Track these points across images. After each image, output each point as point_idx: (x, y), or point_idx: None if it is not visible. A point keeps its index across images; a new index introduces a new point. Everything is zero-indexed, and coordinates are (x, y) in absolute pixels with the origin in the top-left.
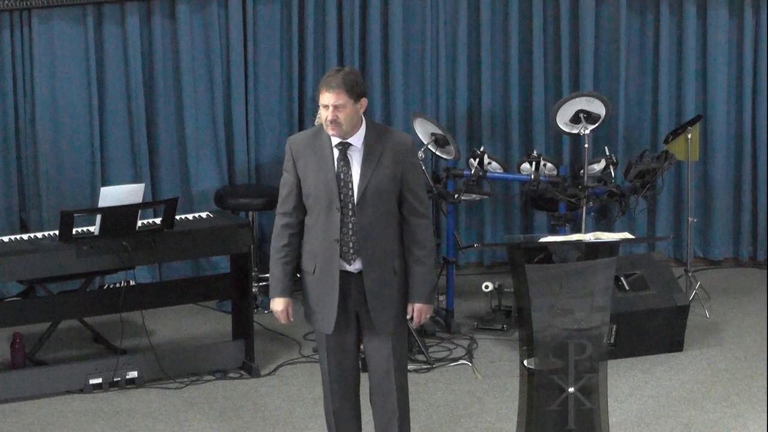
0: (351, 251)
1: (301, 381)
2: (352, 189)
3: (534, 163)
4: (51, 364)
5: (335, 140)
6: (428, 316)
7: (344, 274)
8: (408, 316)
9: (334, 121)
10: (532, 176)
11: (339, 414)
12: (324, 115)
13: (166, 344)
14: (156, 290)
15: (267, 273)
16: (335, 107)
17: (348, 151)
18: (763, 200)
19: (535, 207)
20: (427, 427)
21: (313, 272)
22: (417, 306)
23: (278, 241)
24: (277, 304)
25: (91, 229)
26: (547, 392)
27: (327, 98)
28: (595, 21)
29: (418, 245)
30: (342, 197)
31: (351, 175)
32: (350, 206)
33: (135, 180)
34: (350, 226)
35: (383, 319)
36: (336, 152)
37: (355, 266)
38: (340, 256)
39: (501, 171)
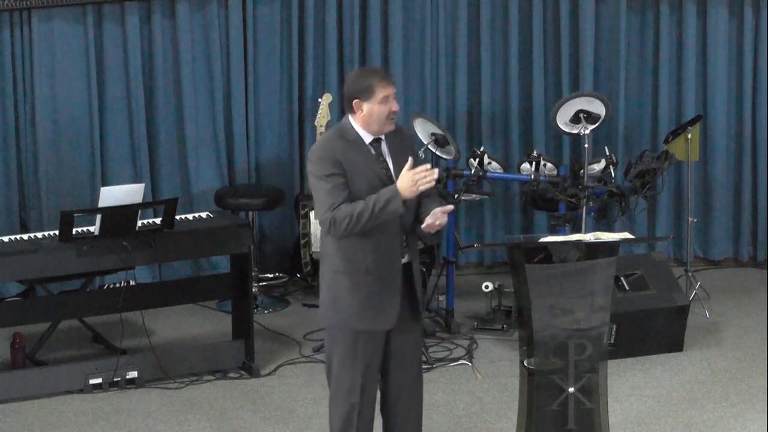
0: (404, 243)
1: (301, 381)
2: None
3: (534, 163)
4: (51, 364)
5: (367, 138)
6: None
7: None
8: (428, 224)
9: (396, 113)
10: (532, 176)
11: (366, 424)
12: (385, 108)
13: (166, 344)
14: (156, 290)
15: (266, 273)
16: (394, 96)
17: (381, 147)
18: (763, 200)
19: (535, 207)
20: (427, 427)
21: (366, 270)
22: (437, 211)
23: (341, 210)
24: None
25: (91, 229)
26: (547, 392)
27: (391, 88)
28: (595, 21)
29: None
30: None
31: (391, 170)
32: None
33: (135, 180)
34: (402, 219)
35: (420, 306)
36: (372, 149)
37: (406, 258)
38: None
39: (501, 171)
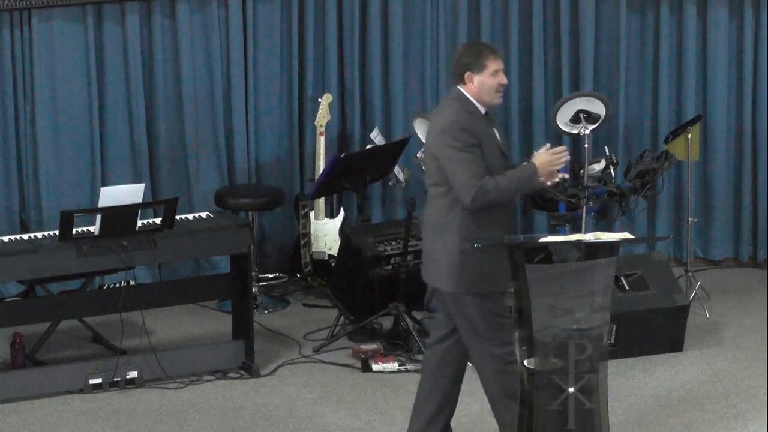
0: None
1: (301, 381)
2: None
3: None
4: (51, 364)
5: (482, 110)
6: None
7: None
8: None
9: (503, 86)
10: None
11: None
12: (495, 80)
13: (166, 344)
14: (156, 290)
15: (266, 273)
16: (504, 71)
17: (492, 120)
18: (764, 200)
19: (535, 207)
20: None
21: (492, 239)
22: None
23: (487, 182)
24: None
25: (91, 229)
26: (547, 392)
27: (501, 63)
28: (595, 21)
29: None
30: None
31: (501, 141)
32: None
33: (135, 180)
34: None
35: None
36: (488, 121)
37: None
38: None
39: None
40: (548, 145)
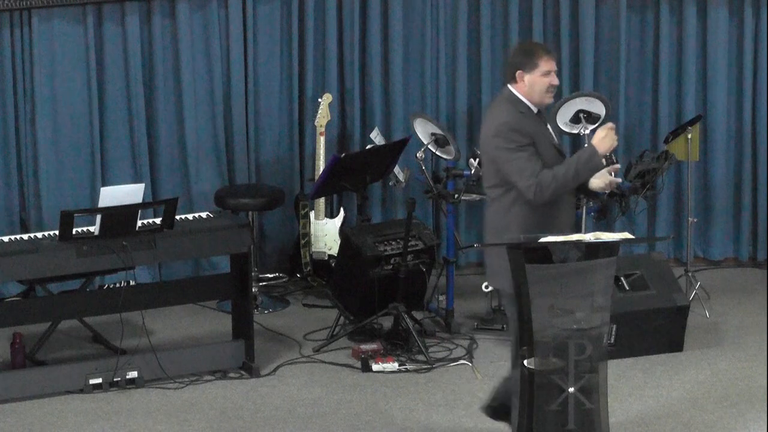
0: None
1: (301, 381)
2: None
3: None
4: (51, 364)
5: (534, 109)
6: None
7: None
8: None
9: (555, 87)
10: None
11: None
12: (546, 80)
13: (166, 344)
14: (156, 290)
15: (266, 273)
16: (555, 72)
17: (544, 118)
18: (764, 200)
19: None
20: (426, 428)
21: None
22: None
23: (544, 174)
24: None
25: (91, 229)
26: (547, 392)
27: (553, 64)
28: (595, 21)
29: None
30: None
31: (555, 140)
32: None
33: (135, 180)
34: (576, 194)
35: None
36: (540, 120)
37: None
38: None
39: None
40: (610, 124)
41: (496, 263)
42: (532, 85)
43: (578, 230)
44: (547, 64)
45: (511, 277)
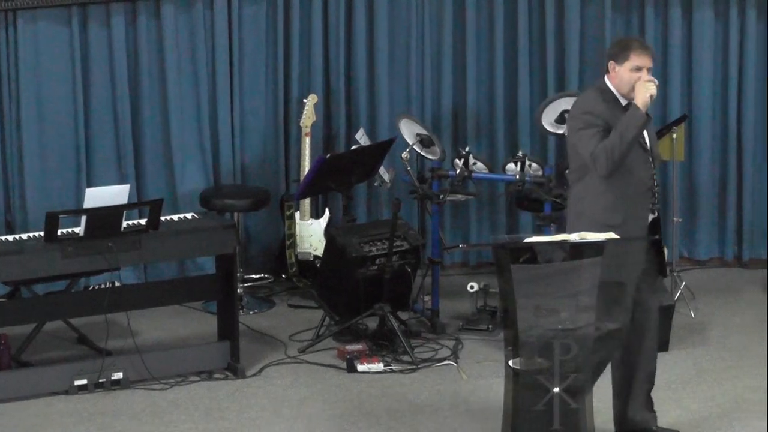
0: (655, 199)
1: (287, 382)
2: (647, 143)
3: (519, 163)
4: (36, 365)
5: (623, 101)
6: None
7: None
8: None
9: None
10: (518, 176)
11: None
12: (634, 76)
13: (151, 345)
14: (141, 291)
15: (252, 274)
16: (648, 70)
17: None
18: (749, 200)
19: (521, 207)
20: (412, 428)
21: (620, 224)
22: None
23: (598, 148)
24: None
25: (77, 230)
26: (532, 392)
27: (646, 60)
28: (581, 21)
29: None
30: (648, 150)
31: (645, 136)
32: (651, 159)
33: (120, 181)
34: (653, 176)
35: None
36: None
37: (656, 214)
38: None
39: (486, 171)
40: (645, 75)
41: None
42: (620, 77)
43: (563, 230)
44: (638, 60)
45: None
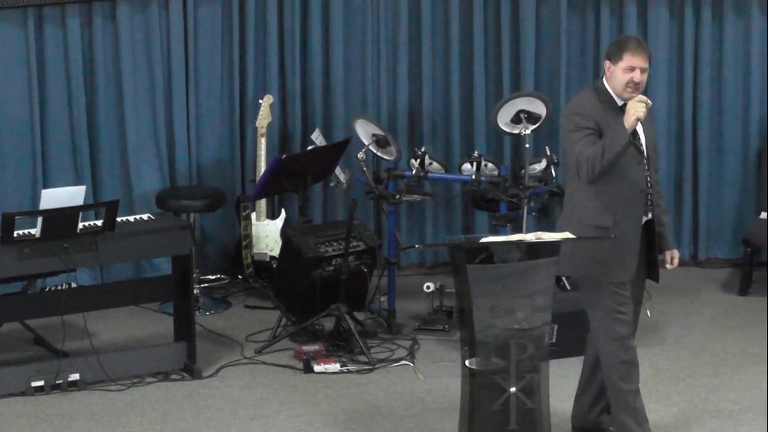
0: (648, 201)
1: (243, 382)
2: (643, 145)
3: (475, 163)
4: None
5: (619, 102)
6: None
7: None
8: (669, 264)
9: (640, 84)
10: (473, 177)
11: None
12: (626, 76)
13: (107, 346)
14: (97, 292)
15: (208, 275)
16: (642, 70)
17: None
18: (704, 200)
19: (477, 207)
20: (368, 428)
21: (612, 225)
22: (675, 252)
23: (583, 154)
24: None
25: (33, 231)
26: (488, 392)
27: (639, 61)
28: (536, 21)
29: (662, 197)
30: (642, 152)
31: (639, 135)
32: (645, 161)
33: (76, 182)
34: (647, 179)
35: (656, 263)
36: (620, 114)
37: (649, 216)
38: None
39: (442, 171)
40: (640, 96)
41: (564, 248)
42: (613, 77)
43: (519, 230)
44: (631, 60)
45: (581, 263)
